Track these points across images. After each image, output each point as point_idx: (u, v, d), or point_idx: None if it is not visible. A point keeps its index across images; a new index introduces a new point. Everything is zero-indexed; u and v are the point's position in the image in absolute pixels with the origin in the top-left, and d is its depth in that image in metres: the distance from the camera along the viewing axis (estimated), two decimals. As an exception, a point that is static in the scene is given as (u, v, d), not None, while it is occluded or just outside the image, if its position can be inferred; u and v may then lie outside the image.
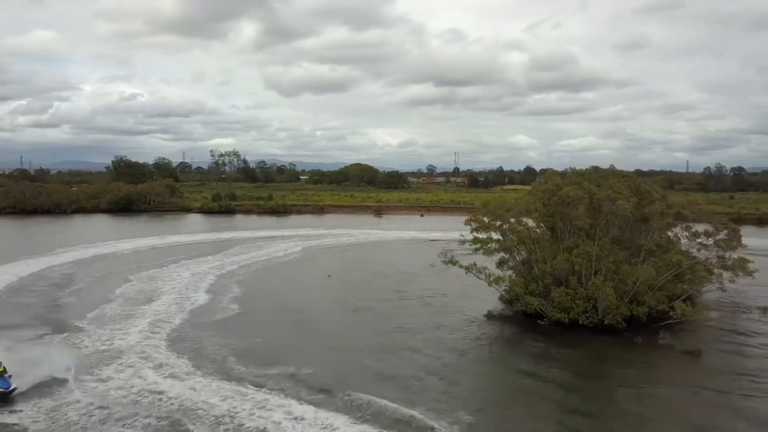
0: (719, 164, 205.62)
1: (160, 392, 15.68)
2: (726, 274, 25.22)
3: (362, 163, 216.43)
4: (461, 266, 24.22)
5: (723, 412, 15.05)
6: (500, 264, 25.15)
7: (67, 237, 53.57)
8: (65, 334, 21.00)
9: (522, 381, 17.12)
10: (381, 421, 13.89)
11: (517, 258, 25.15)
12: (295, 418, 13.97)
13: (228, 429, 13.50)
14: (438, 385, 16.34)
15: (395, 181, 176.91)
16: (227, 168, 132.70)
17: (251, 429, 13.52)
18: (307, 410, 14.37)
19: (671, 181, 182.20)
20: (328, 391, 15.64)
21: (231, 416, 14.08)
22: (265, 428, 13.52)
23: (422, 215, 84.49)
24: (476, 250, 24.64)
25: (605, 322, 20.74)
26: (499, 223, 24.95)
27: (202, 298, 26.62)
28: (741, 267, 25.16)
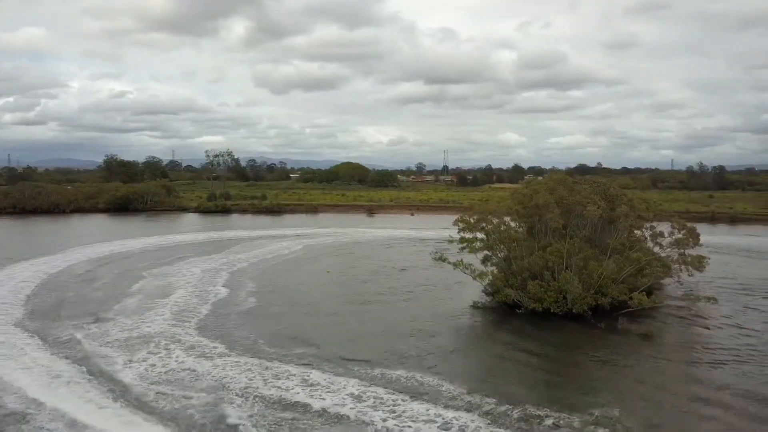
0: (701, 163, 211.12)
1: (193, 370, 18.46)
2: (684, 269, 28.60)
3: (352, 160, 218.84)
4: (450, 263, 27.38)
5: (665, 375, 18.54)
6: (484, 261, 28.24)
7: (75, 236, 56.00)
8: (100, 323, 23.77)
9: (504, 357, 20.44)
10: (392, 386, 16.94)
11: (499, 255, 28.27)
12: (311, 385, 16.95)
13: (257, 397, 16.31)
14: (435, 360, 19.46)
15: (385, 179, 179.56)
16: (220, 167, 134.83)
17: (271, 396, 16.34)
18: (324, 378, 17.48)
19: (655, 179, 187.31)
20: (346, 365, 18.70)
21: (253, 388, 16.91)
22: (281, 396, 16.31)
23: (413, 214, 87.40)
24: (462, 248, 27.74)
25: (573, 311, 23.94)
26: (483, 224, 28.06)
27: (222, 292, 29.38)
28: (698, 263, 28.50)
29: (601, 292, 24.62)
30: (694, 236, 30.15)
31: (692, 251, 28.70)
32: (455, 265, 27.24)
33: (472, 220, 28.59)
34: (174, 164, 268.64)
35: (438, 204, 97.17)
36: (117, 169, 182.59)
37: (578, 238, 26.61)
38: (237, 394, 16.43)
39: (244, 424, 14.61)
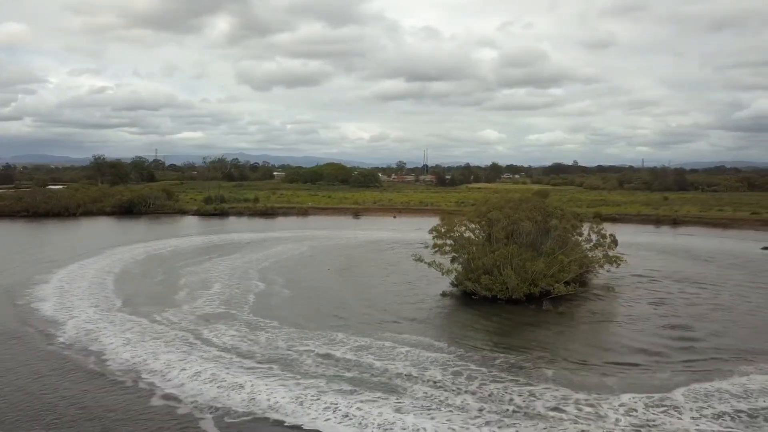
0: (664, 165, 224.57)
1: (256, 340, 27.37)
2: (605, 266, 38.78)
3: (333, 157, 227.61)
4: (425, 262, 36.95)
5: (573, 332, 28.84)
6: (452, 261, 37.85)
7: (102, 238, 63.88)
8: (172, 309, 32.59)
9: (467, 325, 30.02)
10: (400, 342, 26.11)
11: (463, 256, 37.91)
12: (334, 344, 26.18)
13: (296, 354, 25.37)
14: (420, 328, 28.88)
15: (367, 180, 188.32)
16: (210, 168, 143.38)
17: (311, 351, 25.38)
18: (345, 336, 26.90)
19: (622, 180, 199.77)
20: (363, 331, 27.91)
21: (292, 349, 26.03)
22: (317, 351, 25.32)
23: (395, 217, 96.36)
24: (435, 252, 37.37)
25: (513, 297, 33.64)
26: (450, 233, 37.72)
27: (261, 285, 38.18)
28: (615, 261, 38.67)
29: (533, 283, 34.41)
30: (613, 241, 40.39)
31: (614, 251, 38.86)
32: (429, 264, 36.86)
33: (442, 230, 38.24)
34: (158, 163, 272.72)
35: (418, 207, 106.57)
36: (107, 169, 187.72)
37: (520, 244, 36.44)
38: (288, 348, 25.64)
39: (311, 362, 23.68)
